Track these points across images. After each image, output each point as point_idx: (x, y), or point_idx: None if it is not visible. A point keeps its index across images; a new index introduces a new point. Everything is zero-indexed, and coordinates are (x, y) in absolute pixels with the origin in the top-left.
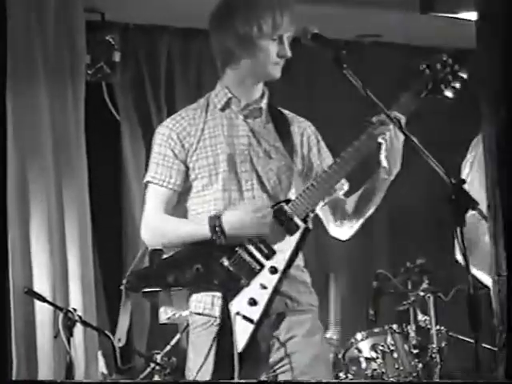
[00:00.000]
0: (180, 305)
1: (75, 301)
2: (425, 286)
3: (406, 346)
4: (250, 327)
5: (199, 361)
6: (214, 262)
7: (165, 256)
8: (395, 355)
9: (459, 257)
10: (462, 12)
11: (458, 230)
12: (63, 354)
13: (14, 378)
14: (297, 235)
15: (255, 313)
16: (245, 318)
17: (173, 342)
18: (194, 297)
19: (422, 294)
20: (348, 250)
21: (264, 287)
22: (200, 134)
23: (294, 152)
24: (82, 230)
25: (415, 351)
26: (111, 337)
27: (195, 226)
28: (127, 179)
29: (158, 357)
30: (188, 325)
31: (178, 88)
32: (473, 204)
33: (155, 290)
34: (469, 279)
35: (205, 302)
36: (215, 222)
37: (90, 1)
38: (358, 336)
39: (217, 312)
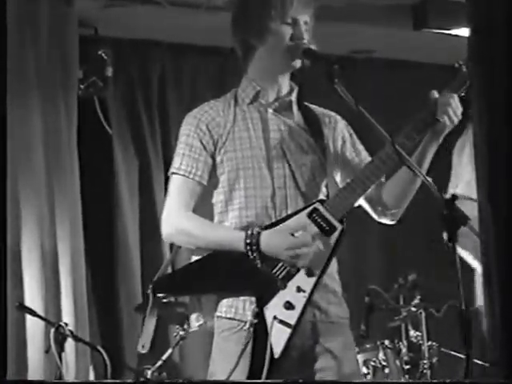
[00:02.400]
0: (209, 311)
1: (67, 315)
2: (417, 301)
3: (397, 362)
4: (287, 332)
5: (228, 365)
6: (248, 265)
7: (193, 260)
8: (387, 371)
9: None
10: (454, 28)
11: (451, 245)
12: (54, 368)
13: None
14: (334, 237)
15: (292, 317)
16: (282, 322)
17: (164, 357)
18: (225, 301)
19: (413, 309)
20: (339, 266)
21: (301, 290)
22: (230, 126)
23: (327, 147)
24: (74, 244)
25: (407, 367)
26: (102, 352)
27: (227, 236)
28: (119, 193)
29: (149, 372)
30: (182, 339)
31: (170, 103)
32: (465, 220)
33: (182, 297)
34: (461, 295)
35: (236, 306)
36: (252, 239)
37: (83, 15)
38: None
39: (248, 316)
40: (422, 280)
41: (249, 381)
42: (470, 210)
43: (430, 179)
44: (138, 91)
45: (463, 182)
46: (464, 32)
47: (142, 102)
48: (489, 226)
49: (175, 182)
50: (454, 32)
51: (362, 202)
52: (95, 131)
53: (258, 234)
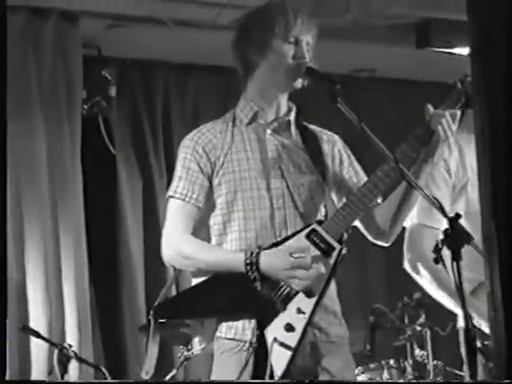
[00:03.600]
0: (211, 333)
1: (71, 336)
2: (422, 320)
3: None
4: (288, 354)
5: None
6: (247, 287)
7: (194, 283)
8: None
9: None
10: (457, 47)
11: (454, 264)
12: None
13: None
14: (332, 257)
15: (293, 339)
16: (282, 344)
17: (168, 378)
18: (227, 323)
19: (418, 328)
20: (344, 285)
21: (301, 312)
22: (228, 148)
23: (325, 167)
24: (77, 265)
25: None
26: (106, 373)
27: (227, 256)
28: (123, 213)
29: None
30: (186, 359)
31: (174, 122)
32: (468, 239)
33: (185, 320)
34: (466, 314)
35: (236, 327)
36: (252, 259)
37: (86, 35)
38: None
39: (247, 336)
40: (426, 299)
41: (250, 381)
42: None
43: (431, 196)
44: (141, 111)
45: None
46: (466, 51)
47: (145, 121)
48: (493, 244)
49: (173, 205)
50: (456, 51)
51: (357, 223)
52: (99, 151)
53: (258, 253)
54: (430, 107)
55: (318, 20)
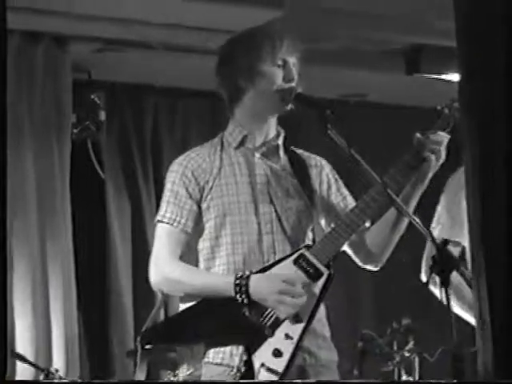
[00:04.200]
0: (199, 358)
1: (58, 361)
2: (410, 346)
3: None
4: (274, 379)
5: None
6: (236, 313)
7: (181, 309)
8: None
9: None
10: (446, 73)
11: (443, 290)
12: None
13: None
14: (320, 282)
15: (280, 364)
16: (269, 370)
17: None
18: (214, 349)
19: (407, 354)
20: (332, 309)
21: (289, 337)
22: (216, 172)
23: (313, 191)
24: (65, 290)
25: None
26: None
27: (215, 280)
28: (112, 237)
29: None
30: None
31: (164, 146)
32: (457, 265)
33: (173, 346)
34: (453, 339)
35: (224, 352)
36: (241, 283)
37: (76, 59)
38: None
39: (235, 361)
40: (415, 324)
41: (250, 381)
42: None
43: (418, 221)
44: (131, 135)
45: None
46: (455, 77)
47: (135, 146)
48: (481, 271)
49: (161, 230)
50: (446, 77)
51: (346, 247)
52: (88, 175)
53: (248, 276)
54: (418, 134)
55: (302, 43)
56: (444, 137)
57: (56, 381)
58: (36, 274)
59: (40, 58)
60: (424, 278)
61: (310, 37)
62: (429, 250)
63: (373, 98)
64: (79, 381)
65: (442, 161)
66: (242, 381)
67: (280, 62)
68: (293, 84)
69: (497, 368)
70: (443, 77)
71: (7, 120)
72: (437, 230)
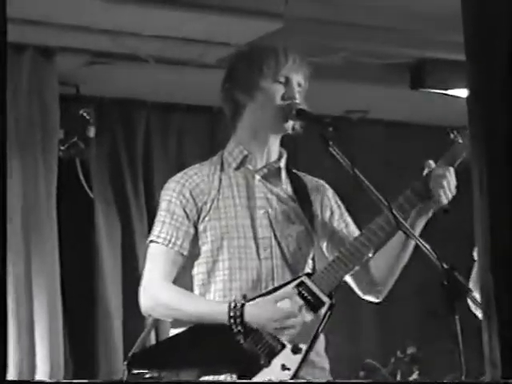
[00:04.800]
0: None
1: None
2: (415, 376)
3: None
4: None
5: None
6: (230, 340)
7: (172, 334)
8: None
9: None
10: (453, 88)
11: (451, 318)
12: None
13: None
14: (321, 312)
15: None
16: None
17: None
18: (205, 377)
19: None
20: (333, 337)
21: (286, 368)
22: (215, 193)
23: (315, 217)
24: (51, 313)
25: None
26: None
27: (209, 307)
28: (101, 259)
29: None
30: None
31: (156, 165)
32: (466, 291)
33: (162, 372)
34: (462, 368)
35: (216, 380)
36: (236, 312)
37: (64, 73)
38: None
39: None
40: (421, 353)
41: (249, 381)
42: None
43: (427, 247)
44: (121, 153)
45: None
46: (462, 93)
47: (125, 164)
48: (491, 297)
49: (154, 250)
50: (452, 92)
51: (347, 277)
52: (76, 194)
53: (242, 305)
54: (432, 163)
55: (310, 60)
56: (453, 172)
57: (56, 381)
58: (20, 295)
59: (25, 71)
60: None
61: (309, 50)
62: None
63: (376, 114)
64: (79, 381)
65: (451, 195)
66: (242, 381)
67: (282, 79)
68: (293, 103)
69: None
70: (449, 92)
71: (6, 120)
72: None
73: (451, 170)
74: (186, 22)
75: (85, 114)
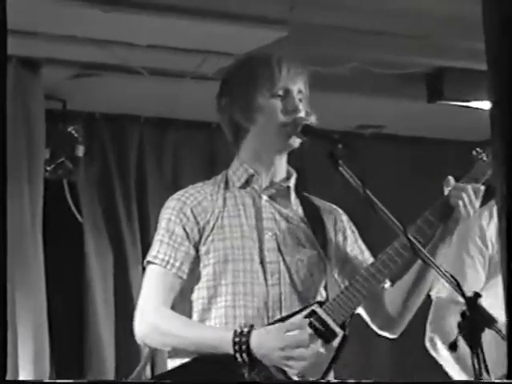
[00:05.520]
0: None
1: None
2: None
3: None
4: None
5: None
6: (234, 373)
7: (170, 366)
8: None
9: None
10: (475, 100)
11: (474, 354)
12: None
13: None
14: (334, 344)
15: None
16: None
17: None
18: None
19: None
20: (343, 368)
21: None
22: (219, 211)
23: (327, 241)
24: (37, 345)
25: None
26: None
27: (211, 334)
28: (91, 289)
29: None
30: None
31: (150, 186)
32: (490, 322)
33: None
34: None
35: None
36: (241, 338)
37: (49, 86)
38: None
39: None
40: None
41: (251, 381)
42: None
43: (448, 274)
44: (113, 173)
45: None
46: (485, 105)
47: (117, 185)
48: None
49: (151, 272)
50: (473, 105)
51: (361, 311)
52: (64, 219)
53: (249, 332)
54: (451, 179)
55: (307, 66)
56: (478, 189)
57: (56, 381)
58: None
59: (8, 84)
60: (428, 344)
61: (317, 60)
62: (436, 311)
63: (390, 129)
64: (80, 381)
65: (472, 212)
66: (243, 381)
67: (280, 92)
68: (298, 115)
69: None
70: (472, 104)
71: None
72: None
73: (474, 184)
74: (182, 30)
75: (73, 132)
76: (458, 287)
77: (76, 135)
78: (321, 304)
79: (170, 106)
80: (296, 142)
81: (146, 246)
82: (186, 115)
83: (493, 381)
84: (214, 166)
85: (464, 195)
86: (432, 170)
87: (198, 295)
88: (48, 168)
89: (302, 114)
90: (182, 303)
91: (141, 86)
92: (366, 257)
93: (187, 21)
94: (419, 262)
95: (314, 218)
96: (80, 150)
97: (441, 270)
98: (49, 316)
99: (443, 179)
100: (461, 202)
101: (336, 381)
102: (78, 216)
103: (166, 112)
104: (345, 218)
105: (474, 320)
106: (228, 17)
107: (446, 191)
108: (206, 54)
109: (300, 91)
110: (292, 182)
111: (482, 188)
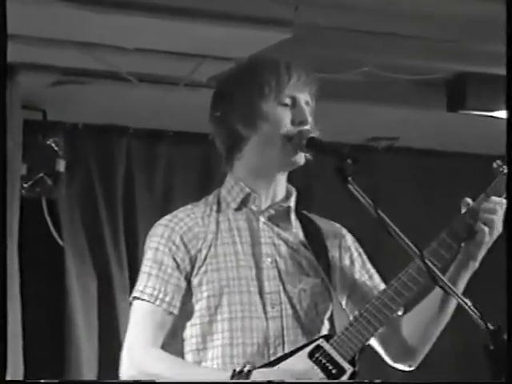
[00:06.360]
0: None
1: None
2: None
3: None
4: None
5: None
6: None
7: None
8: None
9: None
10: (498, 110)
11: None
12: None
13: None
14: (342, 381)
15: None
16: None
17: None
18: None
19: None
20: None
21: None
22: (212, 238)
23: (332, 266)
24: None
25: None
26: None
27: (207, 376)
28: (73, 321)
29: None
30: None
31: (139, 205)
32: None
33: None
34: None
35: None
36: (240, 378)
37: (28, 95)
38: None
39: None
40: None
41: (254, 381)
42: None
43: (470, 304)
44: (97, 191)
45: None
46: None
47: (102, 204)
48: None
49: (138, 309)
50: (497, 114)
51: (373, 340)
52: (42, 241)
53: (249, 372)
54: (469, 201)
55: (318, 75)
56: (500, 204)
57: (57, 380)
58: None
59: None
60: None
61: (325, 64)
62: None
63: (406, 142)
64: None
65: (497, 233)
66: (245, 381)
67: (287, 101)
68: (305, 127)
69: None
70: (495, 114)
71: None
72: None
73: (496, 199)
74: (175, 32)
75: (53, 145)
76: (481, 319)
77: (56, 148)
78: (327, 338)
79: (162, 116)
80: (302, 159)
81: (134, 273)
82: (179, 126)
83: (491, 381)
84: (211, 183)
85: (486, 216)
86: (451, 187)
87: (192, 333)
88: (25, 185)
89: (308, 127)
90: (173, 341)
91: (129, 94)
92: (376, 282)
93: (180, 22)
94: (455, 264)
95: (316, 241)
96: (61, 165)
97: (463, 300)
98: (24, 348)
99: (463, 196)
100: (485, 226)
101: (334, 381)
102: (59, 239)
103: (156, 123)
104: (350, 238)
105: (498, 354)
106: (227, 18)
107: (464, 210)
108: (201, 59)
109: (307, 103)
110: (292, 202)
111: (505, 202)
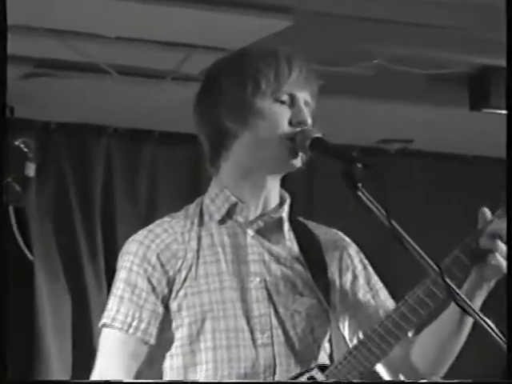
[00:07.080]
0: None
1: None
2: None
3: None
4: None
5: None
6: None
7: None
8: None
9: None
10: None
11: None
12: None
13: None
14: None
15: None
16: None
17: None
18: None
19: None
20: None
21: None
22: (193, 257)
23: (331, 284)
24: None
25: None
26: None
27: None
28: (43, 347)
29: None
30: None
31: (119, 213)
32: None
33: None
34: None
35: None
36: None
37: None
38: None
39: None
40: None
41: (254, 381)
42: None
43: (490, 323)
44: (72, 198)
45: None
46: None
47: (78, 213)
48: None
49: (108, 338)
50: None
51: (378, 367)
52: (9, 256)
53: None
54: (487, 211)
55: (321, 69)
56: None
57: (60, 379)
58: None
59: None
60: None
61: (331, 57)
62: None
63: (421, 144)
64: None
65: None
66: (241, 381)
67: (285, 98)
68: (305, 129)
69: None
70: None
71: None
72: None
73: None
74: (161, 19)
75: (22, 146)
76: (501, 339)
77: (26, 150)
78: (323, 368)
79: (145, 114)
80: (299, 162)
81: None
82: (166, 126)
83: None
84: (199, 188)
85: (504, 232)
86: (470, 195)
87: (172, 364)
88: None
89: (309, 128)
90: (150, 372)
91: (108, 89)
92: (382, 300)
93: (167, 7)
94: (453, 305)
95: (313, 255)
96: (31, 169)
97: (483, 319)
98: None
99: (482, 206)
100: (502, 243)
101: (335, 381)
102: (28, 252)
103: (139, 121)
104: (353, 249)
105: None
106: (217, 2)
107: (481, 224)
108: (191, 49)
109: (307, 103)
110: (285, 211)
111: None
